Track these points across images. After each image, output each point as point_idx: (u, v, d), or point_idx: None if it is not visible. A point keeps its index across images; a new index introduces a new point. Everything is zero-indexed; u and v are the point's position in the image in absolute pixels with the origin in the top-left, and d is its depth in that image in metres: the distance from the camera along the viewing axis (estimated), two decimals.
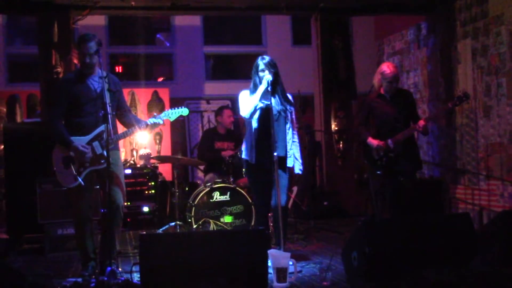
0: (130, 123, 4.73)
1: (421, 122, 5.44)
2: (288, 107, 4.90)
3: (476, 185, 7.30)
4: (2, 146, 6.77)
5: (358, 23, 10.15)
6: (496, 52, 6.94)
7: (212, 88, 10.12)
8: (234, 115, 7.11)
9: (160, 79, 10.48)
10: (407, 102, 5.70)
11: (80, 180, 4.44)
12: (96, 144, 4.50)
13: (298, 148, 4.98)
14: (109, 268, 4.25)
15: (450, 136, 7.79)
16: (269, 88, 4.65)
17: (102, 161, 4.46)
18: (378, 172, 5.66)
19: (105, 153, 4.39)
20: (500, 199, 6.87)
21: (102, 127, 4.46)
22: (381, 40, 9.88)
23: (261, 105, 4.75)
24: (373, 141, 5.63)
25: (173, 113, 4.70)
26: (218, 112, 7.13)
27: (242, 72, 10.49)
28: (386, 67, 5.59)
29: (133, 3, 7.32)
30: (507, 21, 6.75)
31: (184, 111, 4.74)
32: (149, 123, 4.60)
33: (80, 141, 4.47)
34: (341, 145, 8.23)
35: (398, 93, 5.71)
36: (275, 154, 4.55)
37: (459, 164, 7.63)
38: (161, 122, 4.64)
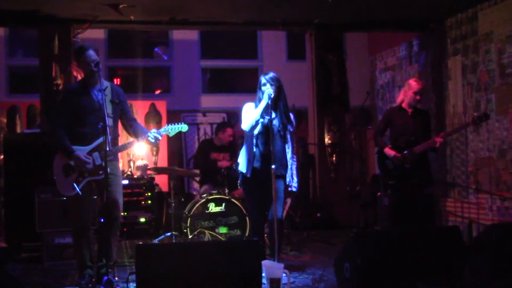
0: (137, 132, 4.77)
1: (438, 139, 5.61)
2: (288, 126, 4.93)
3: (465, 199, 7.42)
4: (2, 156, 6.83)
5: (351, 39, 10.29)
6: (485, 69, 7.09)
7: (208, 101, 10.19)
8: (234, 133, 7.19)
9: (158, 92, 10.56)
10: (425, 120, 5.92)
11: (78, 189, 4.49)
12: (96, 155, 4.54)
13: (295, 166, 5.01)
14: (105, 277, 4.30)
15: (441, 150, 7.89)
16: (269, 102, 4.70)
17: (100, 172, 4.49)
18: (391, 182, 5.80)
19: (104, 164, 4.43)
20: (489, 212, 6.98)
21: (102, 138, 4.49)
22: (374, 56, 10.04)
23: (262, 119, 4.78)
24: (390, 151, 5.79)
25: (172, 129, 4.74)
26: (221, 127, 7.14)
27: (238, 85, 10.60)
28: (413, 81, 5.92)
29: (132, 17, 7.42)
30: (496, 39, 6.91)
31: (183, 127, 4.79)
32: (149, 138, 4.62)
33: (81, 151, 4.51)
34: (334, 158, 8.31)
35: (418, 110, 5.92)
36: (273, 166, 4.57)
37: (449, 177, 7.75)
38: (160, 137, 4.66)
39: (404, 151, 5.70)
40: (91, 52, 4.56)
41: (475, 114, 6.04)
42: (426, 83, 8.22)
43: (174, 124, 4.78)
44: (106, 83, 4.67)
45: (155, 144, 4.77)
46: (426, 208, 6.04)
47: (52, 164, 4.63)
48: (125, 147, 4.75)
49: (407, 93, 5.88)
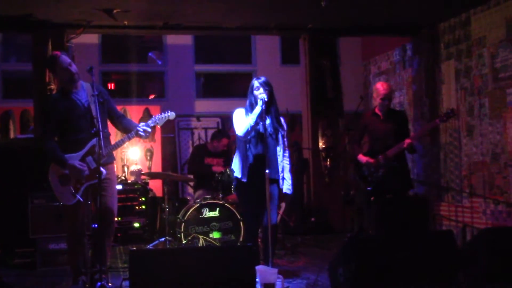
0: (127, 127, 4.75)
1: (407, 140, 5.62)
2: (279, 130, 4.93)
3: (459, 202, 7.44)
4: None
5: (345, 44, 10.31)
6: (478, 74, 7.12)
7: (202, 105, 10.18)
8: (229, 143, 7.19)
9: (152, 97, 10.55)
10: (399, 121, 5.92)
11: (78, 196, 4.48)
12: (89, 159, 4.52)
13: (289, 168, 5.00)
14: (99, 283, 4.28)
15: (434, 154, 7.93)
16: (263, 107, 4.69)
17: (97, 175, 4.43)
18: (368, 189, 5.79)
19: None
20: (482, 216, 7.00)
21: (93, 142, 4.48)
22: (368, 61, 10.07)
23: (256, 125, 4.76)
24: (362, 158, 5.81)
25: (160, 119, 4.69)
26: (217, 136, 7.13)
27: (232, 90, 10.60)
28: (380, 85, 5.88)
29: (125, 22, 7.42)
30: (489, 44, 6.94)
31: (171, 115, 4.73)
32: (140, 132, 4.56)
33: (73, 158, 4.48)
34: (328, 163, 8.32)
35: (391, 112, 5.95)
36: (267, 171, 4.57)
37: (442, 181, 7.77)
38: (149, 129, 4.60)
39: (378, 156, 5.73)
40: (64, 57, 4.54)
41: (442, 112, 6.06)
42: (420, 87, 8.28)
43: (162, 114, 4.72)
44: (85, 85, 4.64)
45: (146, 137, 4.72)
46: (416, 212, 6.05)
47: (48, 176, 4.59)
48: (117, 145, 4.69)
49: (375, 99, 5.91)
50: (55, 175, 4.56)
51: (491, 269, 4.39)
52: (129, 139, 4.66)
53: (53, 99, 4.81)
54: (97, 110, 4.40)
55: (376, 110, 5.94)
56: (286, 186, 4.98)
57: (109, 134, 4.76)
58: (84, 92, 4.62)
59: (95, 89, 4.49)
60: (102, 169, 4.41)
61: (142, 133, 4.58)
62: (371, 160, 5.75)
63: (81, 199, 4.49)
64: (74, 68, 4.56)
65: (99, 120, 4.37)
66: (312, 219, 8.16)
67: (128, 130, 4.72)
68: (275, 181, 4.90)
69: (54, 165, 4.57)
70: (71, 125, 4.55)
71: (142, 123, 4.64)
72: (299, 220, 7.94)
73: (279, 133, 4.95)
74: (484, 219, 6.95)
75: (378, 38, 9.33)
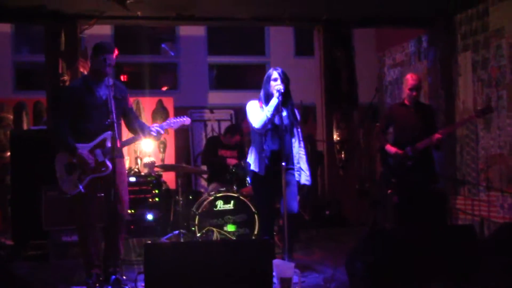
0: (141, 128, 4.75)
1: (437, 135, 5.54)
2: (294, 122, 4.89)
3: (476, 196, 7.35)
4: (9, 153, 6.82)
5: (360, 35, 10.22)
6: (496, 65, 7.01)
7: (215, 97, 10.16)
8: (242, 139, 7.13)
9: (164, 88, 10.53)
10: (427, 113, 5.89)
11: (81, 187, 4.46)
12: (98, 152, 4.50)
13: (305, 159, 4.97)
14: (113, 277, 4.31)
15: (451, 147, 7.83)
16: (280, 99, 4.65)
17: (103, 169, 4.47)
18: (393, 180, 5.73)
19: (106, 161, 4.45)
20: (500, 210, 6.91)
21: (104, 135, 4.48)
22: (382, 52, 9.96)
23: (273, 117, 4.72)
24: (391, 148, 5.74)
25: (175, 123, 4.72)
26: (231, 132, 7.05)
27: (245, 82, 10.56)
28: (410, 76, 5.86)
29: (139, 13, 7.38)
30: (507, 35, 6.82)
31: (186, 120, 4.77)
32: (152, 132, 4.61)
33: (83, 148, 4.48)
34: (342, 155, 8.25)
35: (420, 104, 5.90)
36: (283, 164, 4.53)
37: (459, 175, 7.68)
38: (162, 131, 4.66)
39: (406, 147, 5.66)
40: (113, 56, 4.56)
41: (478, 108, 5.97)
42: (435, 79, 8.17)
43: (177, 118, 4.76)
44: (111, 80, 4.63)
45: (158, 139, 4.77)
46: (435, 206, 5.97)
47: (55, 162, 4.59)
48: (128, 142, 4.76)
49: (404, 89, 5.87)
50: (62, 162, 4.55)
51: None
52: (140, 138, 4.73)
53: (72, 87, 4.89)
54: (111, 102, 4.37)
55: (405, 101, 5.88)
56: (304, 177, 4.94)
57: (120, 131, 4.74)
58: (106, 86, 4.58)
59: (109, 81, 4.48)
60: (108, 163, 4.45)
61: (154, 134, 4.63)
62: (400, 152, 5.69)
63: (83, 190, 4.46)
64: (110, 68, 4.54)
65: (113, 111, 4.34)
66: (327, 212, 8.11)
67: (140, 131, 4.75)
68: (292, 170, 4.86)
69: (62, 152, 4.56)
70: (85, 114, 4.54)
71: (156, 125, 4.70)
72: (314, 213, 7.88)
73: (294, 125, 4.91)
74: (502, 213, 6.85)
75: (393, 30, 9.22)
